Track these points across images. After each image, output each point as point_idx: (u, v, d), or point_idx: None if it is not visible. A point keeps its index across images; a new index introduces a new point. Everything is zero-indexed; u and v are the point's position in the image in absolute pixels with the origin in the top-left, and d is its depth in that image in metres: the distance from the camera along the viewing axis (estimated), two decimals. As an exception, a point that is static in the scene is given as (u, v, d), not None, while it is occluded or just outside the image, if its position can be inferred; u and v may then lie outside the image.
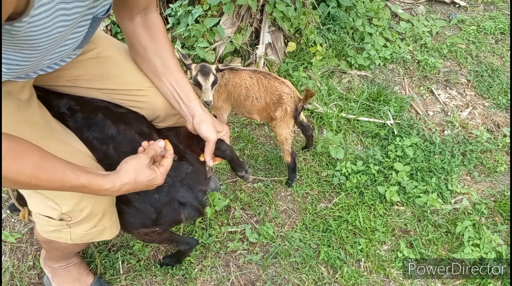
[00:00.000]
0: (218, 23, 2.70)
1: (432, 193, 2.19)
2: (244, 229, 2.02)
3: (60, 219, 1.27)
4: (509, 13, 3.54)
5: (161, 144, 1.24)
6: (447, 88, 2.91)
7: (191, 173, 1.43)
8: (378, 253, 1.98)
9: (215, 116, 2.07)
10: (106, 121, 1.36)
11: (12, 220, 2.03)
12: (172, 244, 1.81)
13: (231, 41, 2.69)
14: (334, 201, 2.17)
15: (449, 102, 2.80)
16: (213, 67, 1.88)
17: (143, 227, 1.44)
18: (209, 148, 1.35)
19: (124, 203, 1.39)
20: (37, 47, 0.95)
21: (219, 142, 1.39)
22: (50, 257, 1.70)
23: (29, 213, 1.42)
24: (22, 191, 1.33)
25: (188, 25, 2.69)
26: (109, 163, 1.33)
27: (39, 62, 1.04)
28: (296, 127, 2.13)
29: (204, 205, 1.48)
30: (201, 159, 1.41)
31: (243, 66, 2.76)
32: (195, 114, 1.36)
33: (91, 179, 1.06)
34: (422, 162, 2.34)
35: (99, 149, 1.34)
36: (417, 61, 3.06)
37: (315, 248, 1.98)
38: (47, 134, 1.21)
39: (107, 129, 1.36)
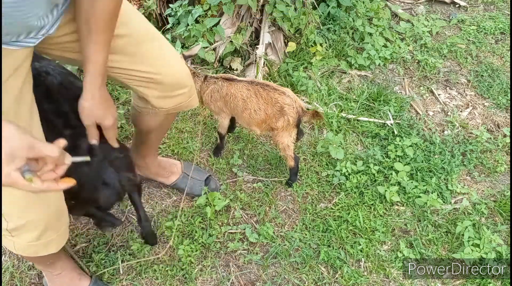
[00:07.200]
0: (218, 23, 2.70)
1: (432, 193, 2.19)
2: (244, 229, 2.02)
3: None
4: (509, 13, 3.55)
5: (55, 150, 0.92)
6: (447, 88, 2.91)
7: (122, 158, 1.44)
8: (378, 253, 1.98)
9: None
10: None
11: (12, 220, 2.03)
12: (92, 219, 1.79)
13: (231, 41, 2.69)
14: (334, 201, 2.17)
15: (449, 102, 2.80)
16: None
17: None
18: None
19: None
20: None
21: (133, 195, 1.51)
22: (35, 263, 1.67)
23: None
24: None
25: (188, 25, 2.70)
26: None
27: None
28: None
29: (125, 191, 1.47)
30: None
31: (243, 66, 2.77)
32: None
33: None
34: (422, 162, 2.34)
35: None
36: (417, 61, 3.06)
37: (315, 248, 1.98)
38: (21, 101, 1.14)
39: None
